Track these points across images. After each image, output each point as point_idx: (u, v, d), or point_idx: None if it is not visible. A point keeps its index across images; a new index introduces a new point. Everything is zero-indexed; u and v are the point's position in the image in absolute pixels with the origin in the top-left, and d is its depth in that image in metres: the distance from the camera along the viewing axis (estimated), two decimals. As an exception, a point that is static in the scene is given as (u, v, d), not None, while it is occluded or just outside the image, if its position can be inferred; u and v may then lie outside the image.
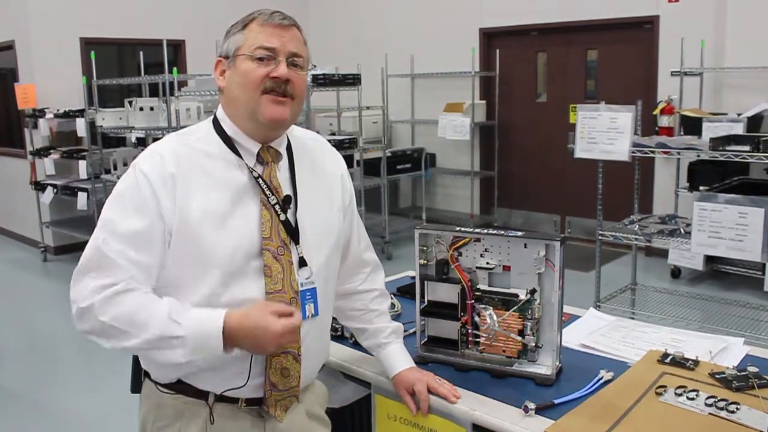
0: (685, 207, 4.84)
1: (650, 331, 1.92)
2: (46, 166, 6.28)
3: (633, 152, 3.66)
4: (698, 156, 3.68)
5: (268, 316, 1.28)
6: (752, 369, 1.57)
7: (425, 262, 1.72)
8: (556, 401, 1.49)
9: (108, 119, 5.91)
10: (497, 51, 6.86)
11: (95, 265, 1.31)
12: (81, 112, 5.94)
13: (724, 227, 3.23)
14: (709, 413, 1.41)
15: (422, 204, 7.14)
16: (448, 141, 6.85)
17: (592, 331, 1.91)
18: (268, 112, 1.37)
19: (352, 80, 5.72)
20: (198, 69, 6.83)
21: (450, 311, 1.69)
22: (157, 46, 5.66)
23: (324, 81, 5.47)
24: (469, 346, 1.70)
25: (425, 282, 1.72)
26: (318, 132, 3.31)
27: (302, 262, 1.42)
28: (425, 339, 1.76)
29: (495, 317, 1.63)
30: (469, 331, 1.68)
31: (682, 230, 3.76)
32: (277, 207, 1.40)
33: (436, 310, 1.72)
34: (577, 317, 2.04)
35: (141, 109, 5.80)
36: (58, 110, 6.08)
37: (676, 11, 5.71)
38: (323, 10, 8.24)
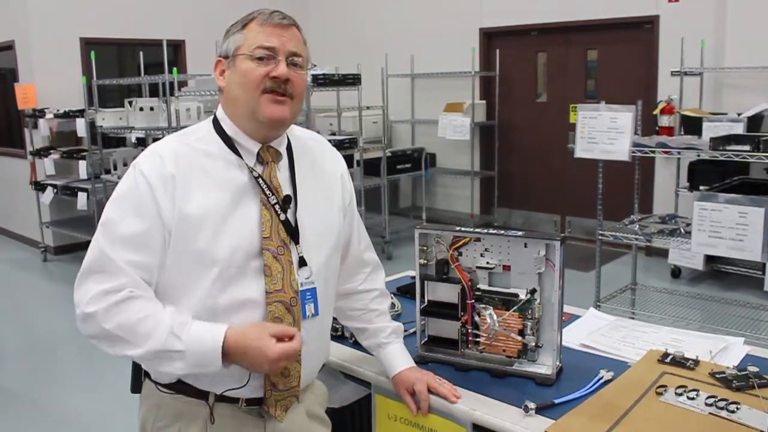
0: (685, 207, 4.84)
1: (650, 330, 1.92)
2: (46, 166, 6.27)
3: (633, 152, 3.66)
4: (698, 156, 3.68)
5: (265, 338, 1.28)
6: (752, 369, 1.57)
7: (425, 261, 1.72)
8: (557, 401, 1.49)
9: (108, 119, 5.91)
10: (497, 51, 6.86)
11: (97, 267, 1.32)
12: (81, 112, 5.94)
13: (724, 227, 3.23)
14: (710, 413, 1.41)
15: (422, 204, 7.14)
16: (448, 141, 6.85)
17: (593, 330, 1.91)
18: (268, 112, 1.37)
19: (352, 80, 5.72)
20: (198, 69, 6.83)
21: (450, 311, 1.69)
22: (157, 46, 5.66)
23: (324, 81, 5.47)
24: (469, 345, 1.70)
25: (425, 282, 1.72)
26: (318, 132, 3.30)
27: (302, 262, 1.42)
28: (425, 339, 1.76)
29: (495, 317, 1.63)
30: (470, 330, 1.68)
31: (682, 230, 3.76)
32: (277, 207, 1.40)
33: (436, 309, 1.72)
34: (577, 317, 2.04)
35: (141, 109, 5.79)
36: (58, 110, 6.07)
37: (676, 11, 5.70)
38: (323, 10, 8.24)
